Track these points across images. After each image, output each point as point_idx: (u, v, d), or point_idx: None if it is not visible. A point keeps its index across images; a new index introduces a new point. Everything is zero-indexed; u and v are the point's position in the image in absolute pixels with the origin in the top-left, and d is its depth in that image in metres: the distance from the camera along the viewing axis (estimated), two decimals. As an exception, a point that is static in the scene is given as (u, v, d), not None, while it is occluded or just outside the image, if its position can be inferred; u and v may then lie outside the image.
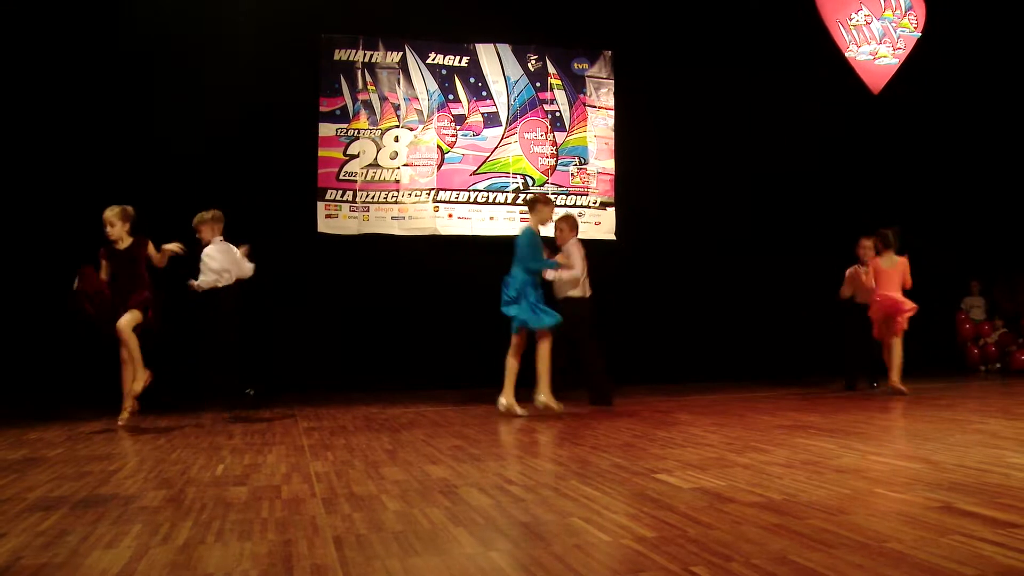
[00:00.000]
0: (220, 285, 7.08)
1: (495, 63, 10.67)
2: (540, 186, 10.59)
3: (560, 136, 10.81)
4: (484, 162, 10.52)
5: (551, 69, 10.85)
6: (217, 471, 4.05)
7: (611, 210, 10.89)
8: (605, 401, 7.32)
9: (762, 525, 2.70)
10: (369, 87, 10.29)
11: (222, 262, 7.08)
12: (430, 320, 9.94)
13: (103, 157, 9.00)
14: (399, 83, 10.37)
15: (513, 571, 2.27)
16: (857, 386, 8.85)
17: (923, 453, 4.20)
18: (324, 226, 9.99)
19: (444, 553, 2.46)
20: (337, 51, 10.26)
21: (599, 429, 5.52)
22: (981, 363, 11.97)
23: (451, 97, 10.50)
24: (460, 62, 10.57)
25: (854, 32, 10.01)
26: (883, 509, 2.92)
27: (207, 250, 7.09)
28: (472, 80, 10.59)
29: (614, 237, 10.80)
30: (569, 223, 7.49)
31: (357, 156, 10.16)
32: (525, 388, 6.67)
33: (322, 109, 10.13)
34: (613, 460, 4.16)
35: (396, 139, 10.30)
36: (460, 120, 10.49)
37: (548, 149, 10.75)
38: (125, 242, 6.18)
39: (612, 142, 11.05)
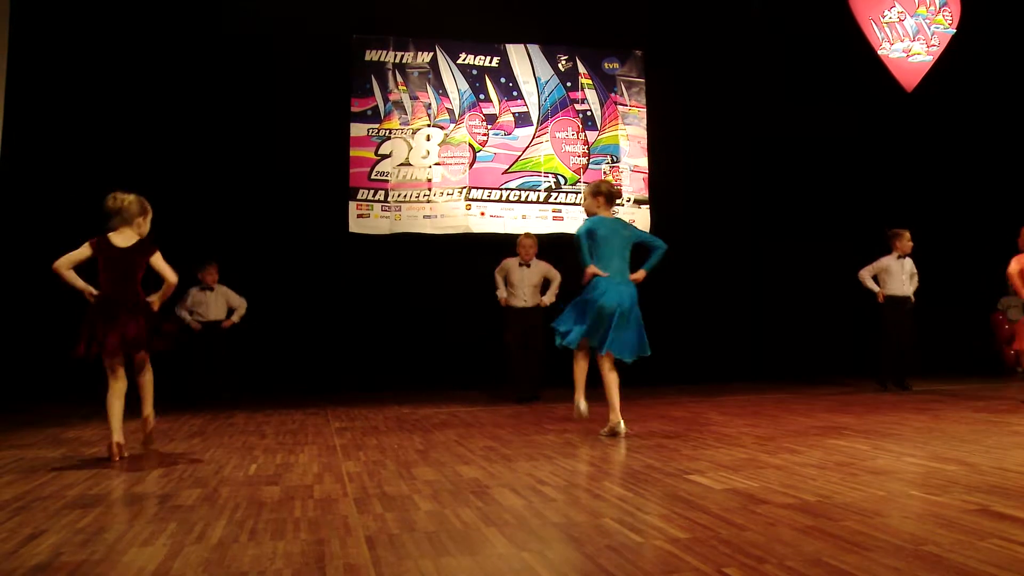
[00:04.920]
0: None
1: (525, 63, 10.67)
2: (572, 185, 10.56)
3: (592, 135, 10.78)
4: (516, 161, 10.51)
5: (581, 69, 10.82)
6: (250, 470, 4.08)
7: (645, 208, 10.84)
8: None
9: (796, 527, 2.68)
10: (400, 87, 10.32)
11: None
12: (462, 320, 9.93)
13: (133, 160, 9.08)
14: (430, 83, 10.40)
15: (545, 572, 2.27)
16: (888, 386, 8.76)
17: (959, 455, 4.15)
18: (356, 226, 10.00)
19: (476, 553, 2.47)
20: (368, 52, 10.30)
21: (631, 430, 5.50)
22: (1017, 364, 11.78)
23: (482, 97, 10.51)
24: (491, 62, 10.57)
25: (887, 29, 9.90)
26: (919, 511, 2.89)
27: (225, 290, 8.67)
28: (503, 80, 10.60)
29: (648, 235, 10.75)
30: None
31: (389, 155, 10.18)
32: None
33: (353, 109, 10.18)
34: (645, 461, 4.15)
35: (428, 138, 10.32)
36: (491, 119, 10.50)
37: (580, 148, 10.72)
38: (128, 240, 4.73)
39: (645, 141, 10.99)
